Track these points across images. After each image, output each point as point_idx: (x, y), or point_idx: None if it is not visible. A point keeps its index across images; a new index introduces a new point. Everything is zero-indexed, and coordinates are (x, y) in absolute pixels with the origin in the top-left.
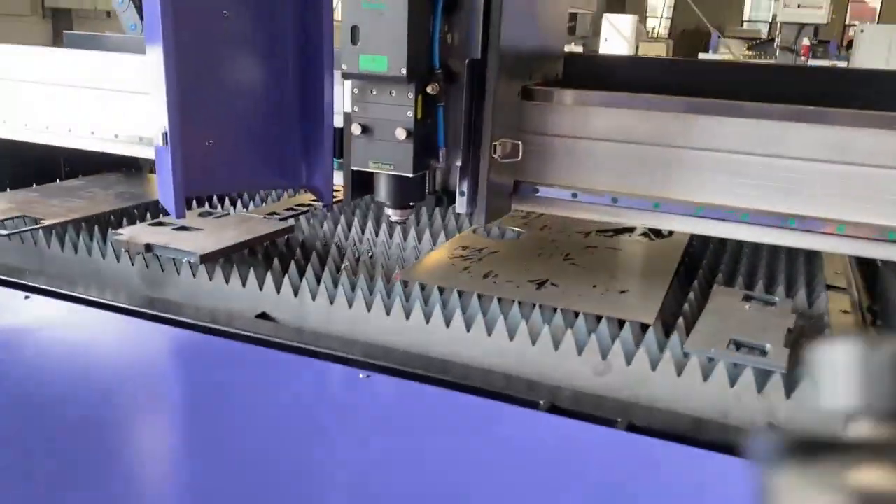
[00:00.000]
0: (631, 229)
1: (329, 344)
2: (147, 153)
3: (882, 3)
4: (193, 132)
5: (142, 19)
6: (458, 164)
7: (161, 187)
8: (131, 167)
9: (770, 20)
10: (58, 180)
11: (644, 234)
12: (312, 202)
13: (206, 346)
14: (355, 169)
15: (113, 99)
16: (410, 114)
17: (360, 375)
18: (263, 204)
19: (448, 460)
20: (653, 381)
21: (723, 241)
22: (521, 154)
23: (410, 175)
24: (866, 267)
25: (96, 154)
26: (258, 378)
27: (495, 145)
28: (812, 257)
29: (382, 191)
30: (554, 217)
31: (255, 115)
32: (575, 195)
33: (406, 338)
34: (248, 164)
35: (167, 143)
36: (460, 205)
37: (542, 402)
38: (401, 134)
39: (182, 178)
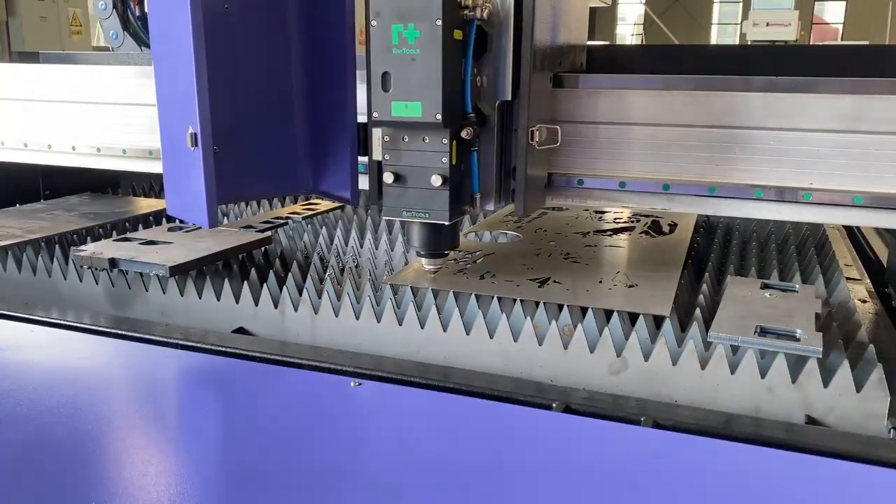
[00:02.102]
0: (630, 228)
1: (317, 356)
2: (133, 166)
3: (844, 23)
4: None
5: (125, 28)
6: (490, 207)
7: (180, 196)
8: (107, 188)
9: (737, 44)
10: (17, 205)
11: (644, 232)
12: (291, 215)
13: (192, 363)
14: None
15: (98, 113)
16: (446, 160)
17: (352, 384)
18: (238, 219)
19: (460, 468)
20: (674, 376)
21: (728, 236)
22: (559, 139)
23: (447, 223)
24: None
25: (61, 174)
26: (250, 393)
27: (532, 131)
28: (821, 249)
29: (416, 239)
30: (549, 220)
31: (263, 116)
32: (623, 184)
33: (400, 345)
34: (258, 171)
35: (196, 145)
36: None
37: (555, 405)
38: (437, 181)
39: (214, 180)
